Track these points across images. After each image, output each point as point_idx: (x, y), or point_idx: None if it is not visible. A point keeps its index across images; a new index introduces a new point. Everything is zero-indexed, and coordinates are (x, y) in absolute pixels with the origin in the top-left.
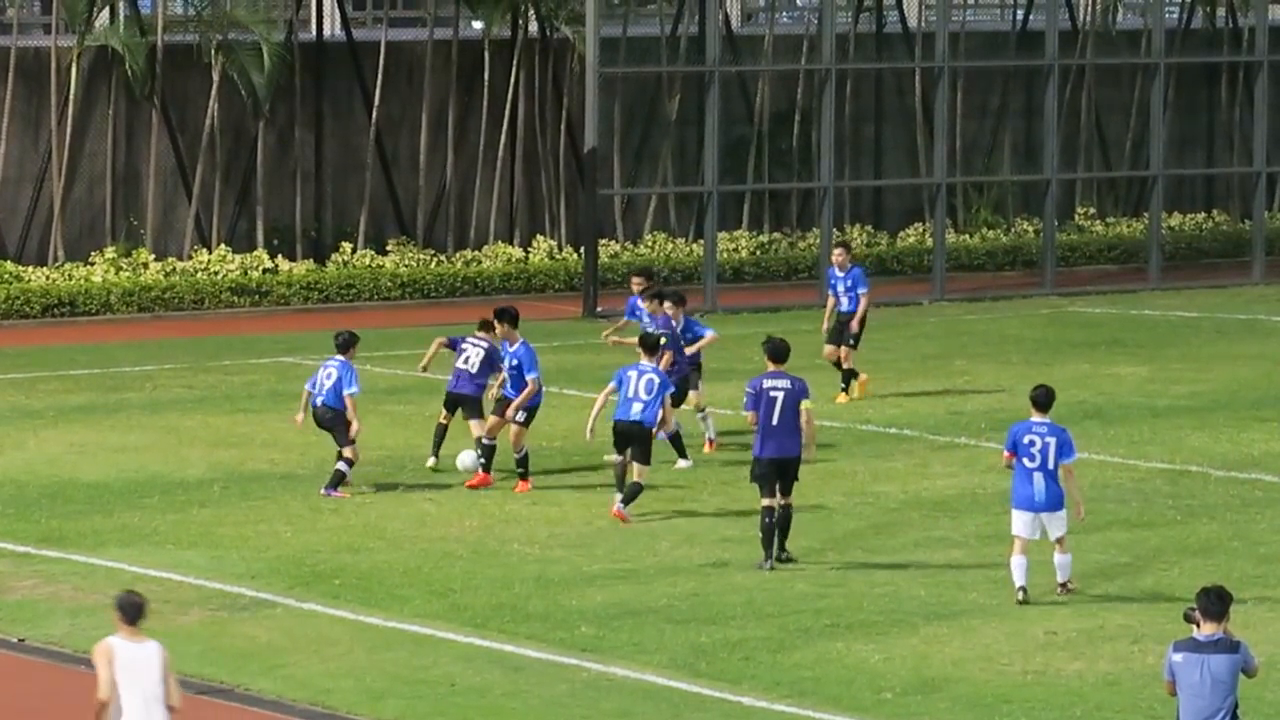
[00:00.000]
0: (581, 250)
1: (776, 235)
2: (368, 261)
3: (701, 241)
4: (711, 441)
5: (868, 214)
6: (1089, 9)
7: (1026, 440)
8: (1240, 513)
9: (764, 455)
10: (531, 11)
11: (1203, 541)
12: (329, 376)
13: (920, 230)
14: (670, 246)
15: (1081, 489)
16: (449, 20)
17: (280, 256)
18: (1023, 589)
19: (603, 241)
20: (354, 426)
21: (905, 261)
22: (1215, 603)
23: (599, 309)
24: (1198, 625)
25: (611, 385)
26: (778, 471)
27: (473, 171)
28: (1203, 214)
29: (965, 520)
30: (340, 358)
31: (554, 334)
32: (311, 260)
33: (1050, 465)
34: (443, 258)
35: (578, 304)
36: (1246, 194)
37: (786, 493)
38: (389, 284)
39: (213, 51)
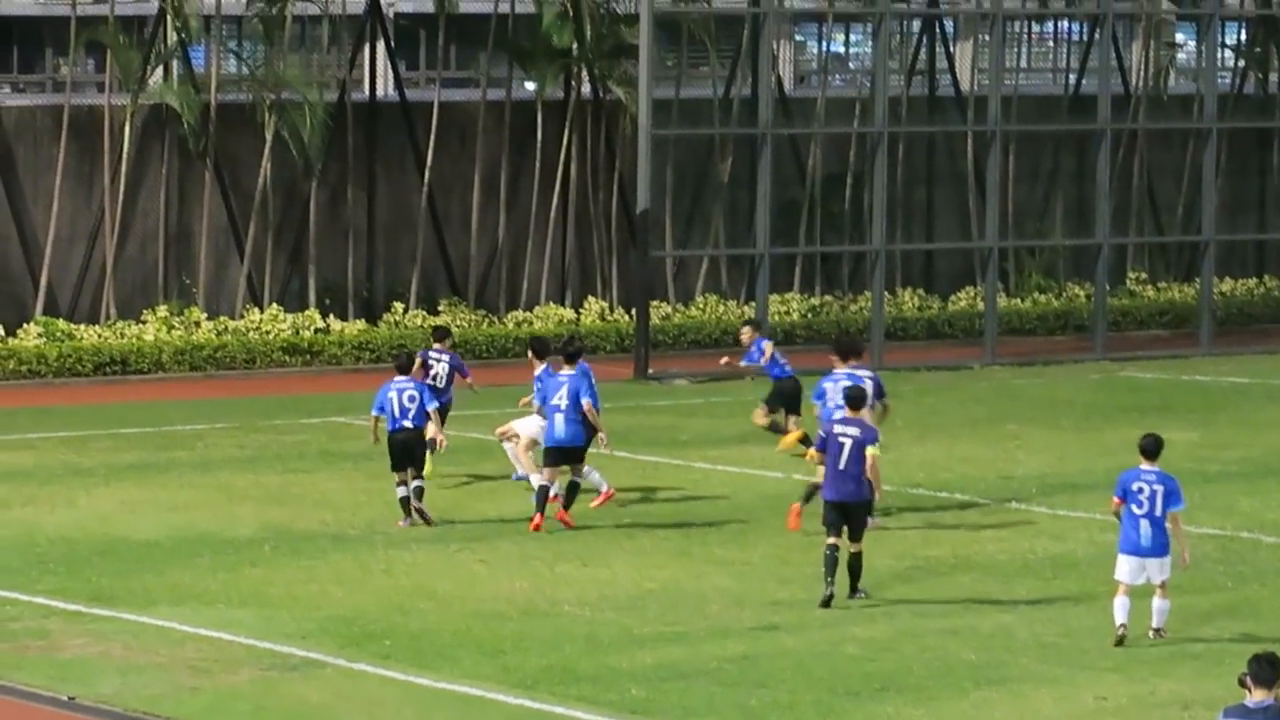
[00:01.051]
0: (633, 312)
1: (828, 298)
2: (419, 321)
3: (753, 304)
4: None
5: (919, 277)
6: (1141, 73)
7: (1135, 487)
8: None
9: (830, 499)
10: (584, 73)
11: (1253, 607)
12: (411, 399)
13: (972, 294)
14: (721, 309)
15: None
16: (502, 81)
17: (332, 316)
18: (1123, 626)
19: (654, 303)
20: (441, 439)
21: (956, 325)
22: (1266, 669)
23: (650, 371)
24: (1249, 690)
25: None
26: (843, 515)
27: (525, 232)
28: (1254, 279)
29: (1015, 584)
30: (408, 378)
31: (605, 395)
32: (363, 320)
33: (1158, 512)
34: (494, 318)
35: (629, 366)
36: None
37: (855, 538)
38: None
39: (265, 111)
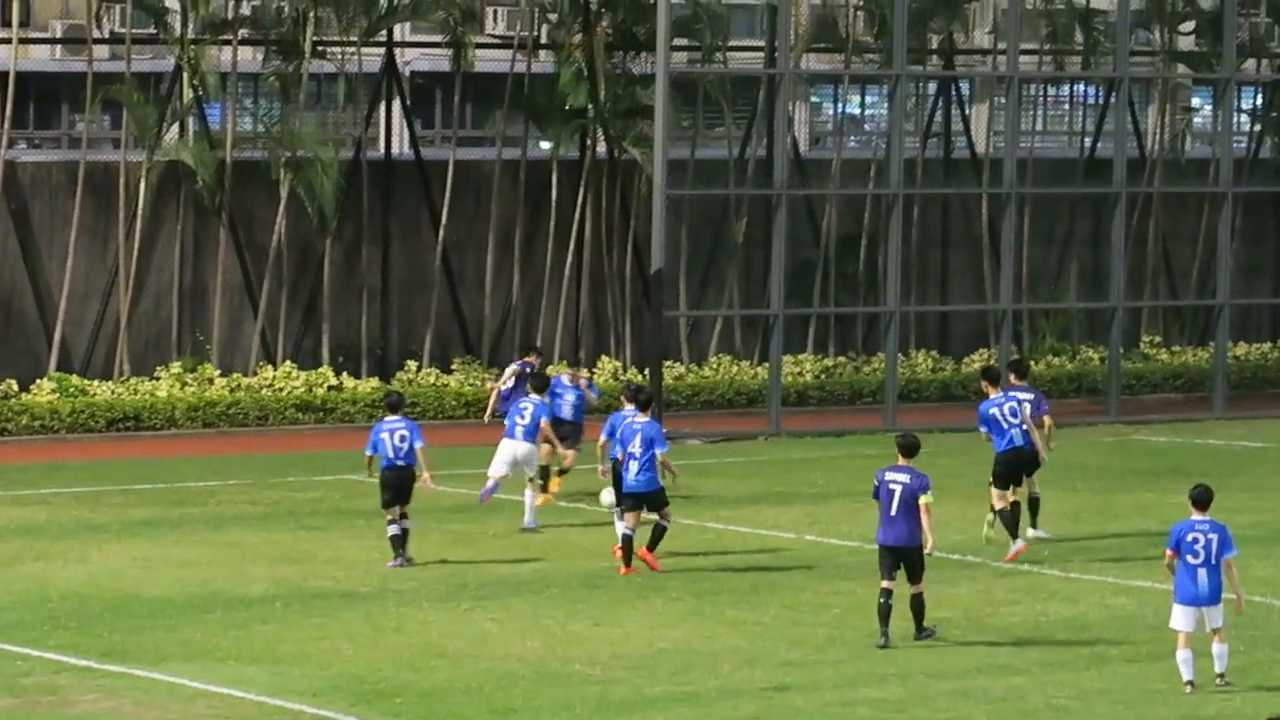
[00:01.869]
0: (646, 372)
1: (842, 359)
2: (433, 380)
3: (766, 364)
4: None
5: (933, 339)
6: (1157, 137)
7: (1190, 538)
8: None
9: (883, 543)
10: (600, 133)
11: (1266, 671)
12: (402, 439)
13: (986, 356)
14: (735, 369)
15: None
16: (517, 140)
17: (345, 374)
18: (1190, 683)
19: (668, 363)
20: (427, 478)
21: (970, 387)
22: None
23: (665, 430)
24: None
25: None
26: (896, 559)
27: (539, 291)
28: (1269, 344)
29: (1028, 648)
30: (398, 417)
31: None
32: (377, 378)
33: (1214, 560)
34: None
35: None
36: None
37: (914, 580)
38: (454, 403)
39: (281, 168)
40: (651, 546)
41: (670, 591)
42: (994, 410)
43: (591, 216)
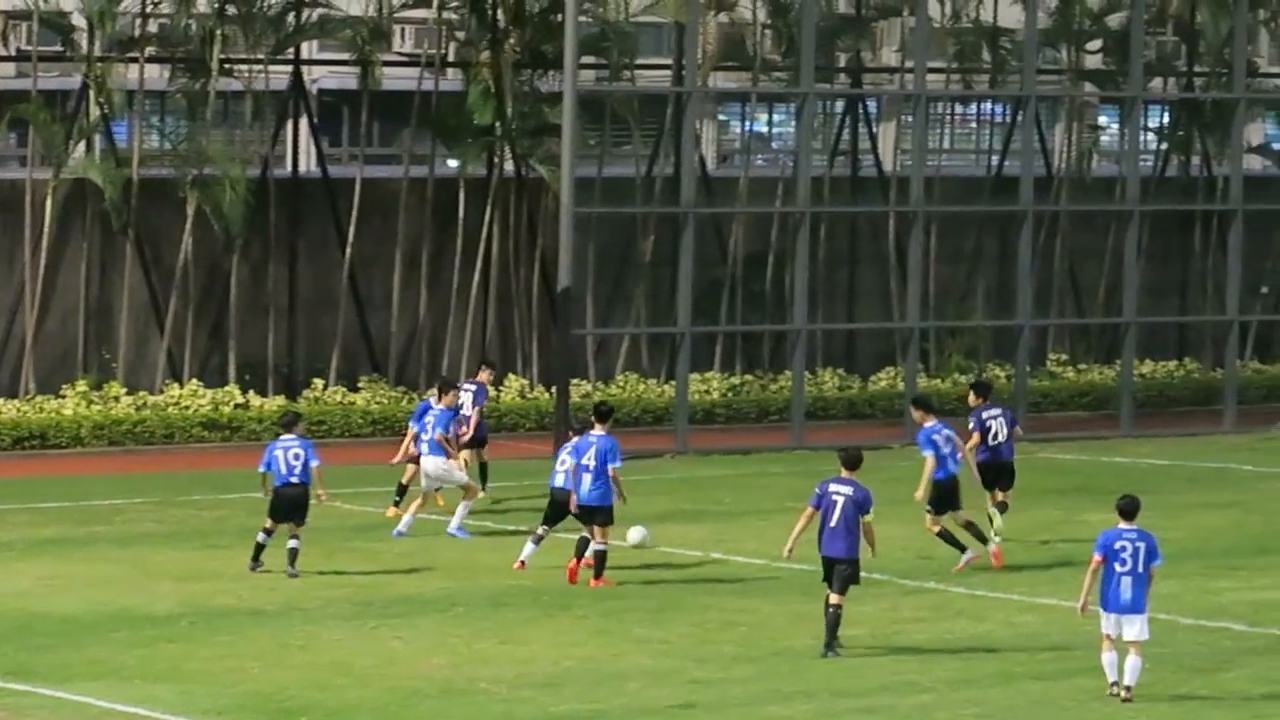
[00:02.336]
0: (553, 390)
1: (749, 377)
2: (339, 398)
3: (673, 382)
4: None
5: (840, 357)
6: (1064, 155)
7: (1119, 546)
8: (1209, 661)
9: (822, 553)
10: (507, 151)
11: (1170, 689)
12: (296, 456)
13: (892, 374)
14: (642, 387)
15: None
16: (425, 158)
17: (252, 392)
18: (1115, 684)
19: (575, 381)
20: (321, 495)
21: (877, 405)
22: None
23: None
24: None
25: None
26: (829, 569)
27: (446, 309)
28: (1175, 362)
29: (934, 665)
30: (293, 435)
31: (524, 473)
32: (283, 396)
33: (1140, 569)
34: (415, 395)
35: (548, 444)
36: (1219, 342)
37: (840, 592)
38: (360, 420)
39: (188, 186)
40: (597, 574)
41: (577, 610)
42: (935, 438)
43: (499, 235)
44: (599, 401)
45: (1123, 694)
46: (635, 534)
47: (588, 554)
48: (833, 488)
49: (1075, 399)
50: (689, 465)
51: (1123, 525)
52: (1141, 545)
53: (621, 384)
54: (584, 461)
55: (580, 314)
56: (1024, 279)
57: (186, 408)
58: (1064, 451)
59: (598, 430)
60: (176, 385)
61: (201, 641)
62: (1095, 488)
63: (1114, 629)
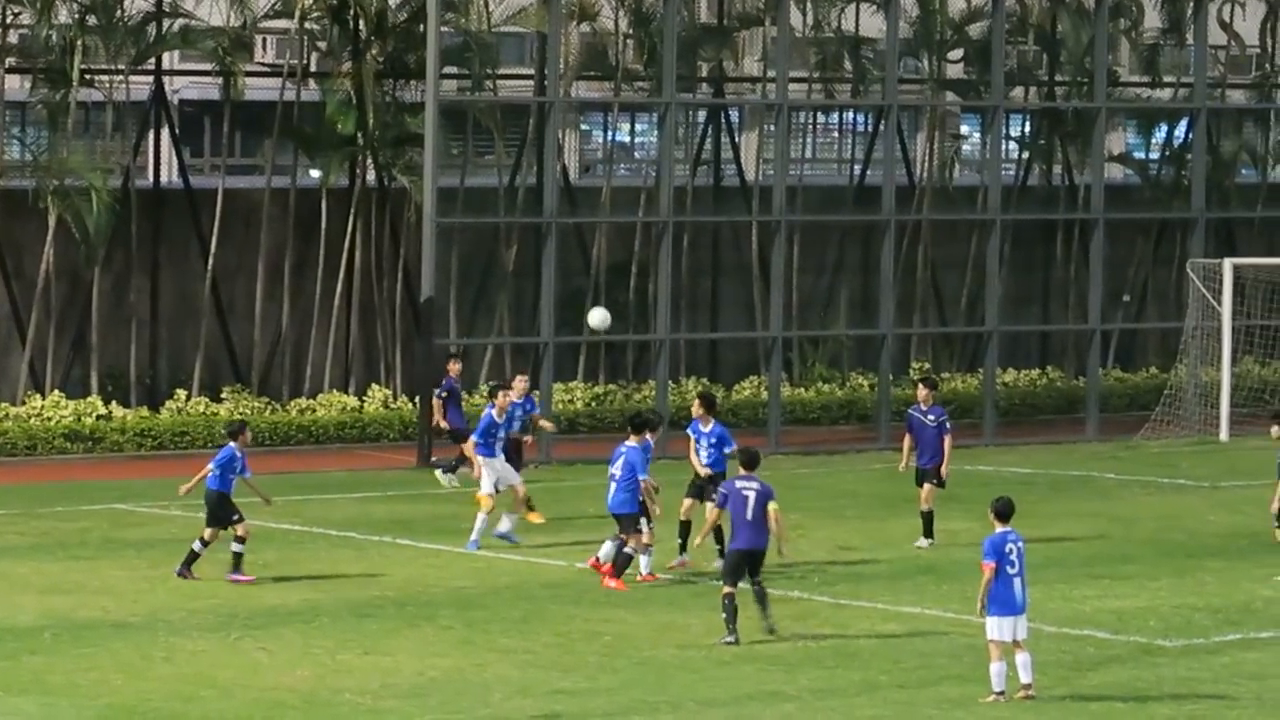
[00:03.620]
0: (416, 400)
1: (612, 387)
2: (202, 409)
3: (537, 392)
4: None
5: (703, 366)
6: (926, 165)
7: (1007, 549)
8: (1072, 669)
9: (736, 547)
10: (369, 161)
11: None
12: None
13: (756, 384)
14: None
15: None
16: (287, 169)
17: (114, 403)
18: (1001, 693)
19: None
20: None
21: (740, 415)
22: None
23: (433, 459)
24: None
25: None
26: (747, 561)
27: (308, 320)
28: (1037, 370)
29: (798, 674)
30: (233, 445)
31: (388, 484)
32: (145, 407)
33: (1024, 569)
34: (277, 406)
35: (412, 454)
36: (1081, 351)
37: (755, 574)
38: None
39: (49, 197)
40: (617, 573)
41: (441, 620)
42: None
43: (361, 245)
44: (634, 413)
45: (1024, 693)
46: (596, 316)
47: (602, 555)
48: (740, 484)
49: None
50: (553, 475)
51: (1003, 528)
52: (1021, 545)
53: (485, 394)
54: (612, 471)
55: (443, 324)
56: (886, 288)
57: (48, 419)
58: None
59: (631, 442)
60: (38, 396)
61: (64, 654)
62: (958, 496)
63: (1006, 634)
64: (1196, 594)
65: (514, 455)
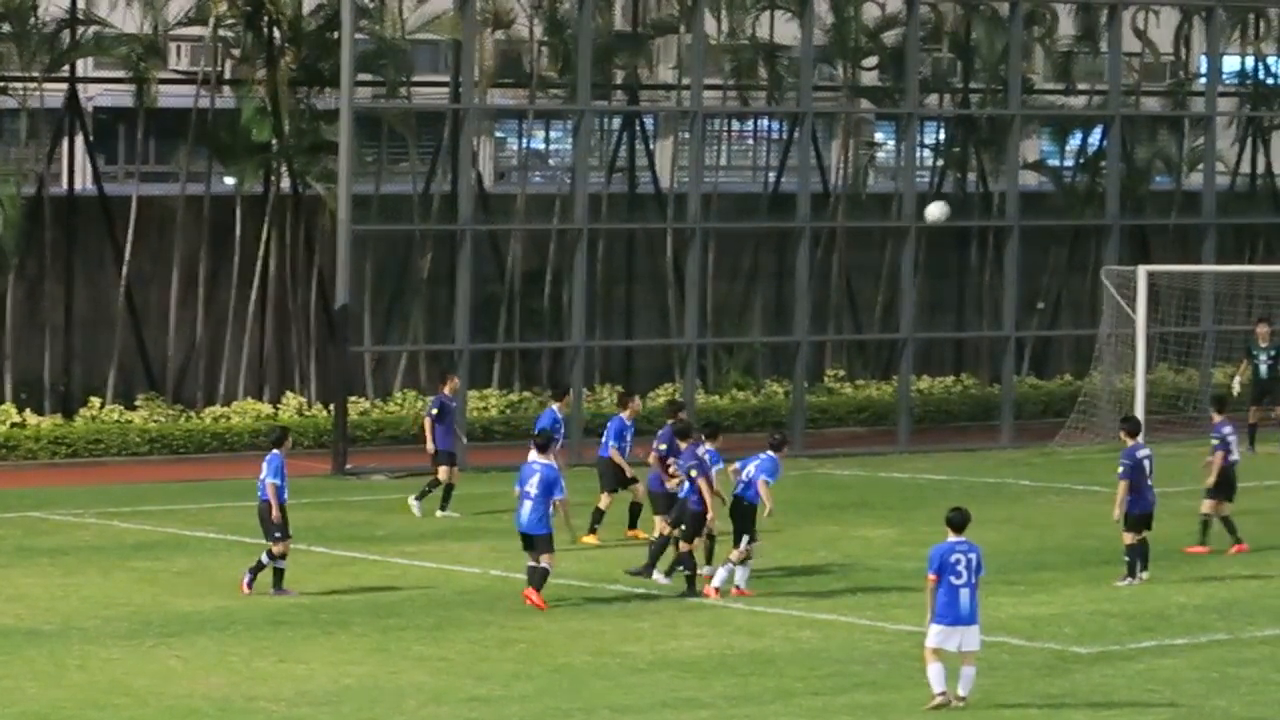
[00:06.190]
0: (331, 407)
1: (527, 394)
2: (116, 416)
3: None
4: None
5: (619, 374)
6: (841, 172)
7: (954, 559)
8: (987, 676)
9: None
10: (284, 168)
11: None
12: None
13: (670, 391)
14: (421, 404)
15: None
16: (201, 176)
17: (28, 411)
18: (943, 693)
19: (352, 399)
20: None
21: (656, 422)
22: None
23: (348, 466)
24: None
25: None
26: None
27: (223, 327)
28: (952, 377)
29: (713, 681)
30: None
31: (303, 491)
32: (59, 415)
33: (974, 580)
34: (192, 414)
35: (327, 461)
36: (995, 358)
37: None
38: (137, 439)
39: None
40: (537, 587)
41: (355, 628)
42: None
43: (276, 252)
44: (539, 431)
45: (955, 701)
46: (936, 209)
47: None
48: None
49: (853, 415)
50: (467, 482)
51: (954, 538)
52: (973, 556)
53: (400, 401)
54: (526, 488)
55: (358, 331)
56: (801, 295)
57: None
58: (842, 467)
59: (539, 458)
60: None
61: None
62: (873, 503)
63: (946, 641)
64: (1111, 600)
65: None
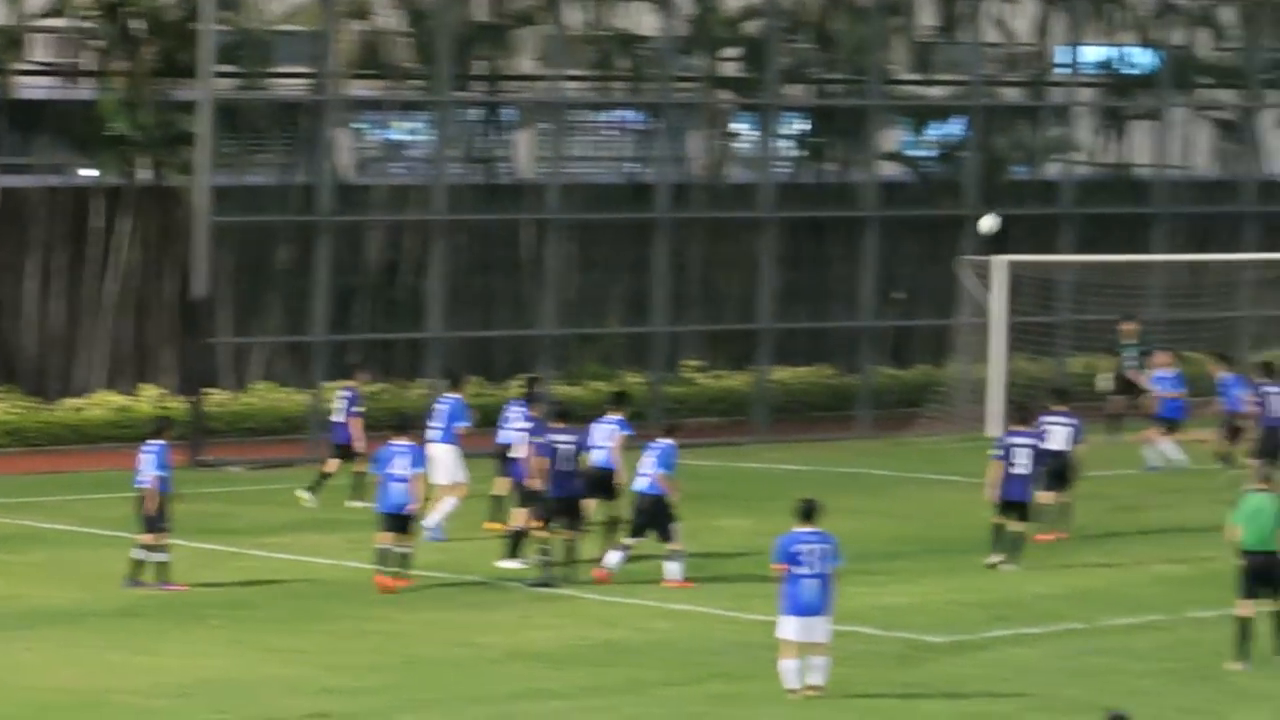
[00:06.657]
0: (189, 400)
1: (385, 386)
2: None
3: (310, 391)
4: None
5: (477, 365)
6: (700, 163)
7: (802, 549)
8: (840, 665)
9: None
10: (144, 159)
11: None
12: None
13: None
14: (278, 395)
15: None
16: (60, 167)
17: None
18: (794, 690)
19: (210, 390)
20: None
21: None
22: None
23: (206, 458)
24: None
25: None
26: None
27: (81, 319)
28: (810, 367)
29: (567, 671)
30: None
31: None
32: None
33: (825, 571)
34: (49, 406)
35: (184, 453)
36: (853, 348)
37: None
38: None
39: None
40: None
41: (210, 619)
42: None
43: (136, 243)
44: (403, 417)
45: (811, 692)
46: (989, 221)
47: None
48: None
49: (711, 405)
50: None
51: (802, 528)
52: (824, 547)
53: (260, 393)
54: (394, 471)
55: (217, 322)
56: (659, 286)
57: None
58: (700, 458)
59: (406, 440)
60: None
61: None
62: (731, 494)
63: (799, 633)
64: (965, 590)
65: None
